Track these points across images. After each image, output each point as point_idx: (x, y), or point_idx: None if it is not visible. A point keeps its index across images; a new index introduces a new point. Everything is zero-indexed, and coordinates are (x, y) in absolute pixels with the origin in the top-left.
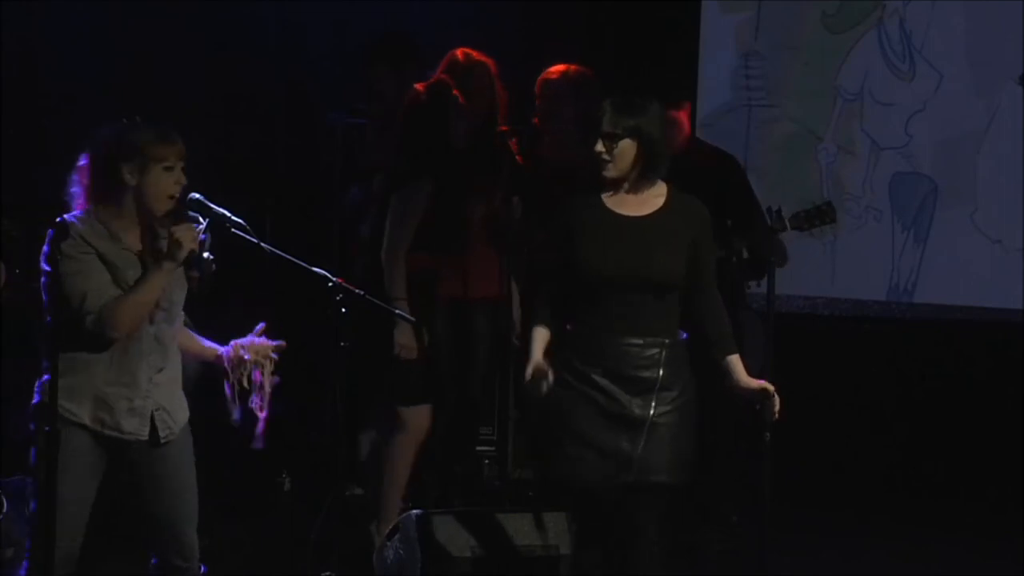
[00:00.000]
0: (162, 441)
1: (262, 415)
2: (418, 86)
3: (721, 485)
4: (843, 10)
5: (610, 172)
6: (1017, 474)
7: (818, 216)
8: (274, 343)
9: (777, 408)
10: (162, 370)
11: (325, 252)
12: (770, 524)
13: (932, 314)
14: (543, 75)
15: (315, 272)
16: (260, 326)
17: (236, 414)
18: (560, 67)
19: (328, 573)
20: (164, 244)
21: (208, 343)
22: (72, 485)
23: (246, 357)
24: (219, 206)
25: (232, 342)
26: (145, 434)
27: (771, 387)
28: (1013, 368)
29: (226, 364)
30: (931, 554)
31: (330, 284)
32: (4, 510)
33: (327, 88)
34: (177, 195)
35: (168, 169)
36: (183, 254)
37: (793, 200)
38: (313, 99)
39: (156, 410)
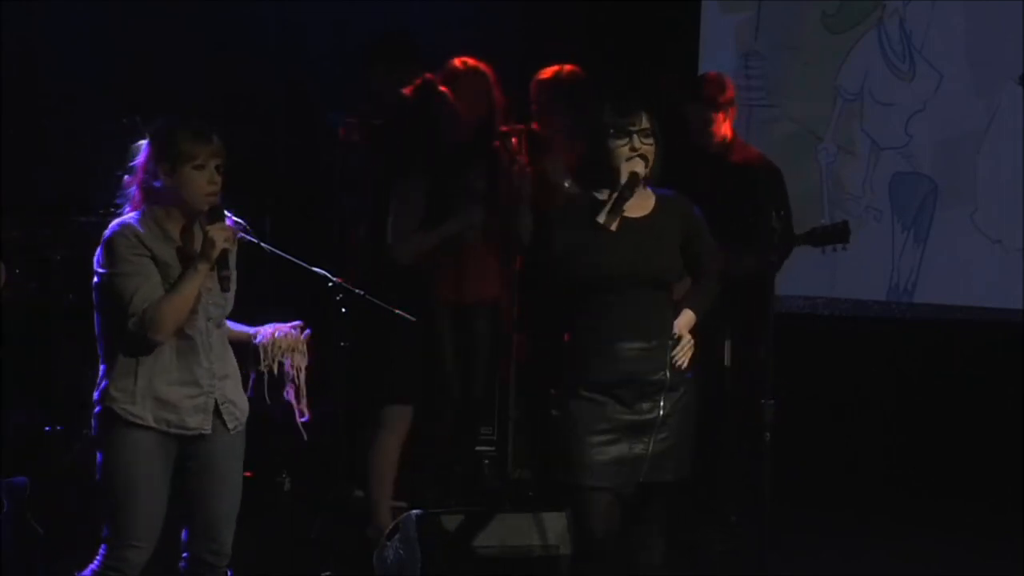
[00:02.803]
0: (232, 431)
1: (301, 410)
2: (406, 90)
3: (721, 485)
4: (843, 10)
5: (644, 170)
6: (1017, 474)
7: (834, 235)
8: (305, 333)
9: (680, 354)
10: (222, 365)
11: (325, 252)
12: (770, 524)
13: (932, 314)
14: (535, 77)
15: (315, 272)
16: (298, 323)
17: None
18: (552, 68)
19: (328, 573)
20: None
21: (241, 327)
22: (143, 487)
23: (279, 335)
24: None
25: (268, 326)
26: (209, 428)
27: (680, 333)
28: (1013, 368)
29: (258, 345)
30: (931, 554)
31: (330, 284)
32: (4, 510)
33: (327, 88)
34: (213, 193)
35: (198, 168)
36: (216, 253)
37: (793, 200)
38: (313, 99)
39: (223, 403)
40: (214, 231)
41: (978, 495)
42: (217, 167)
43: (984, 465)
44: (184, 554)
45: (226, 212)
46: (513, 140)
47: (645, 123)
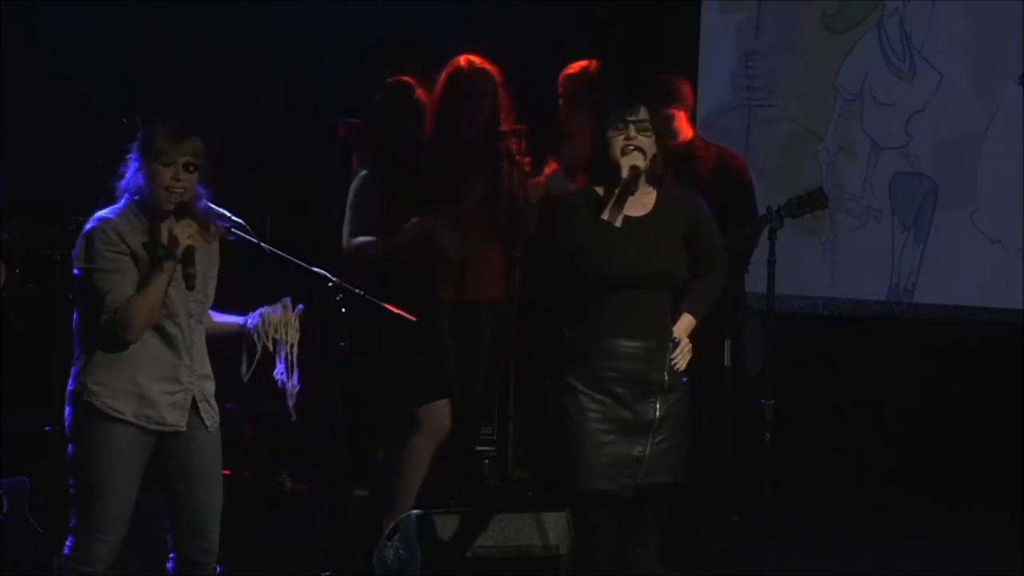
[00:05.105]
0: (209, 429)
1: (292, 387)
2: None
3: (721, 485)
4: (843, 10)
5: (643, 163)
6: (1017, 474)
7: (810, 202)
8: (298, 309)
9: (678, 357)
10: (202, 363)
11: (325, 252)
12: (770, 524)
13: (932, 314)
14: (565, 71)
15: (315, 272)
16: (287, 299)
17: (245, 378)
18: (581, 63)
19: (328, 573)
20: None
21: (226, 317)
22: (117, 480)
23: (275, 313)
24: (219, 206)
25: (256, 311)
26: (184, 425)
27: (679, 337)
28: (1013, 368)
29: (251, 329)
30: (931, 554)
31: (330, 284)
32: (4, 510)
33: (328, 88)
34: (176, 191)
35: (166, 164)
36: (179, 251)
37: (786, 199)
38: (314, 99)
39: (201, 401)
40: (178, 228)
41: (978, 495)
42: (187, 165)
43: (984, 465)
44: (172, 555)
45: (224, 211)
46: (513, 140)
47: (643, 115)
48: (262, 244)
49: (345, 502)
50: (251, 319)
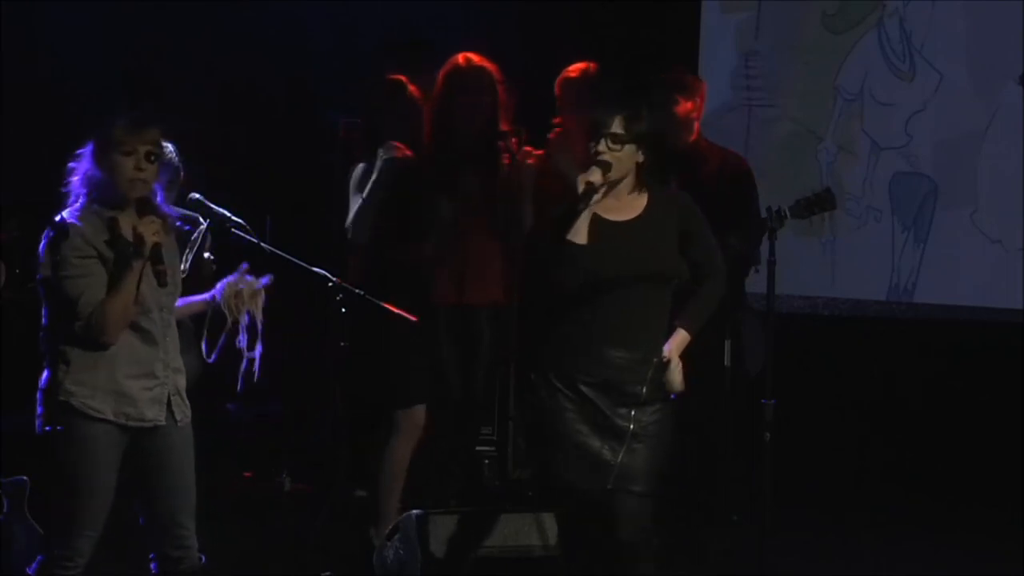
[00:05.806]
0: (179, 423)
1: (254, 353)
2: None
3: (721, 485)
4: (843, 10)
5: (607, 175)
6: (1017, 474)
7: (818, 203)
8: (262, 280)
9: (672, 377)
10: (176, 357)
11: (325, 252)
12: (770, 524)
13: (932, 314)
14: (563, 74)
15: (315, 272)
16: (244, 266)
17: (212, 358)
18: (580, 65)
19: (328, 573)
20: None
21: (189, 299)
22: (99, 479)
23: (241, 286)
24: (219, 206)
25: (220, 283)
26: (163, 419)
27: (669, 357)
28: (1013, 368)
29: (220, 302)
30: (931, 554)
31: (330, 284)
32: (4, 510)
33: (328, 88)
34: (139, 180)
35: (127, 153)
36: (146, 249)
37: (793, 200)
38: (314, 99)
39: (173, 395)
40: (143, 226)
41: (978, 495)
42: (148, 155)
43: (984, 465)
44: (151, 554)
45: (224, 211)
46: (513, 140)
47: (617, 127)
48: (262, 244)
49: (345, 502)
50: (217, 291)
